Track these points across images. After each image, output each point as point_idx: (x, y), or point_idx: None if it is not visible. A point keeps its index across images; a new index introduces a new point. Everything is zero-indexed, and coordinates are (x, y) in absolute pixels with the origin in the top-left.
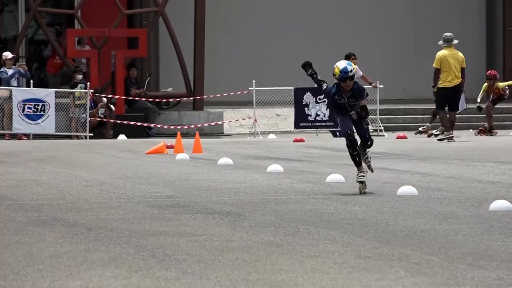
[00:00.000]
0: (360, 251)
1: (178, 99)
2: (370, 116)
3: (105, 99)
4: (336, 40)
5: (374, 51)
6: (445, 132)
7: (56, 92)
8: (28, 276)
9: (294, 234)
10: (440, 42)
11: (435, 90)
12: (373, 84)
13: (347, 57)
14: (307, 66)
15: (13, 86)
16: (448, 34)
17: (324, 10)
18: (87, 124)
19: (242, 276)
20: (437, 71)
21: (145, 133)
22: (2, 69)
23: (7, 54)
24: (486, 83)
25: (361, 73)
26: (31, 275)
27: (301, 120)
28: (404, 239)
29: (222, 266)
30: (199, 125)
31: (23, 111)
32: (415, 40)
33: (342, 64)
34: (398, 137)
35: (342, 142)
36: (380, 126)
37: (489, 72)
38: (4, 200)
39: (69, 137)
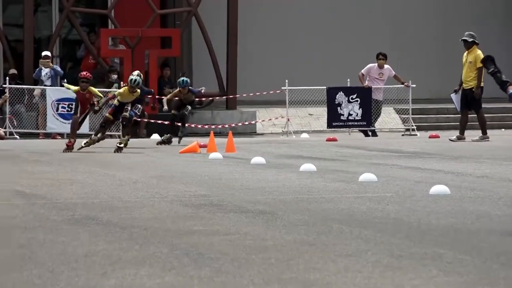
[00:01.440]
0: (393, 250)
1: (211, 99)
2: (402, 116)
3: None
4: (367, 40)
5: (402, 50)
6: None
7: None
8: (63, 275)
9: (327, 233)
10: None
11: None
12: (405, 84)
13: (376, 57)
14: (488, 61)
15: (47, 86)
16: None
17: (356, 10)
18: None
19: (275, 275)
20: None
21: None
22: (38, 68)
23: (47, 53)
24: None
25: (393, 72)
26: (65, 273)
27: (334, 119)
28: (436, 238)
29: (256, 265)
30: (232, 125)
31: (57, 110)
32: (442, 40)
33: None
34: (431, 137)
35: (374, 141)
36: (412, 126)
37: None
38: (38, 199)
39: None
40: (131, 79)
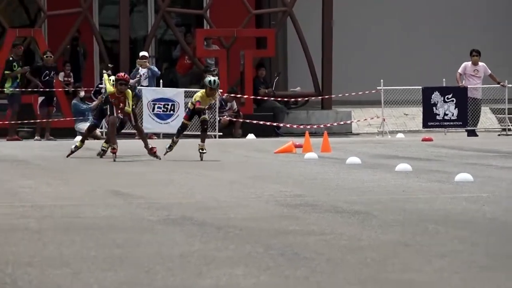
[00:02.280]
0: (489, 250)
1: (306, 99)
2: (498, 116)
3: (83, 93)
4: (462, 39)
5: (498, 50)
6: None
7: (185, 91)
8: (159, 275)
9: (423, 233)
10: None
11: None
12: (501, 83)
13: (470, 54)
14: None
15: (143, 86)
16: None
17: (451, 8)
18: (216, 124)
19: (371, 275)
20: None
21: (274, 132)
22: (135, 69)
23: (144, 54)
24: None
25: (489, 71)
26: (161, 273)
27: (429, 119)
28: None
29: (351, 265)
30: (328, 124)
31: (153, 110)
32: None
33: None
34: None
35: (470, 141)
36: (509, 125)
37: None
38: (135, 198)
39: (198, 136)
40: (211, 80)
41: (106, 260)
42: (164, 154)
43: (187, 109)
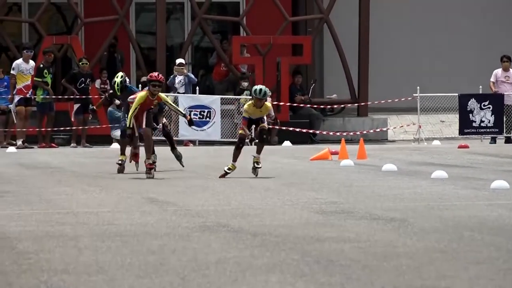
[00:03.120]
0: None
1: (342, 106)
2: None
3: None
4: (499, 46)
5: None
6: None
7: (221, 98)
8: (194, 282)
9: (458, 240)
10: None
11: None
12: None
13: (500, 60)
14: None
15: (180, 93)
16: None
17: (488, 16)
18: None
19: (406, 282)
20: None
21: (309, 139)
22: (172, 75)
23: (181, 61)
24: None
25: None
26: (196, 280)
27: (466, 126)
28: None
29: (386, 272)
30: (364, 132)
31: None
32: None
33: None
34: None
35: (506, 148)
36: None
37: None
38: (170, 206)
39: (234, 143)
40: (256, 89)
41: (141, 267)
42: (220, 177)
43: (243, 117)
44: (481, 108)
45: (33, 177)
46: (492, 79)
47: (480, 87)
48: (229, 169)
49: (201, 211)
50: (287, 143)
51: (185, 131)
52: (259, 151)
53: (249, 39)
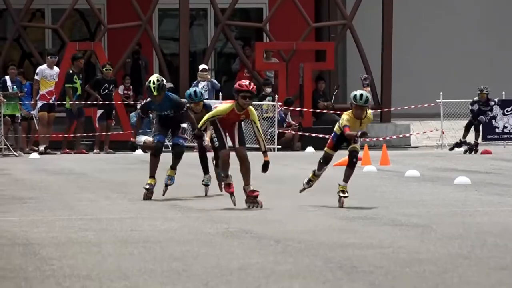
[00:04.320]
0: None
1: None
2: None
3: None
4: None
5: None
6: None
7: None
8: None
9: (482, 247)
10: None
11: None
12: None
13: None
14: None
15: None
16: None
17: (510, 21)
18: (275, 137)
19: None
20: None
21: None
22: (196, 81)
23: (204, 67)
24: None
25: None
26: (219, 286)
27: (489, 132)
28: None
29: (410, 278)
30: (387, 137)
31: None
32: None
33: None
34: None
35: None
36: None
37: None
38: (193, 212)
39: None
40: (356, 95)
41: (164, 273)
42: (300, 191)
43: (333, 133)
44: (504, 114)
45: (56, 183)
46: None
47: (504, 92)
48: (310, 180)
49: (224, 217)
50: (310, 149)
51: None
52: (346, 179)
53: (272, 45)
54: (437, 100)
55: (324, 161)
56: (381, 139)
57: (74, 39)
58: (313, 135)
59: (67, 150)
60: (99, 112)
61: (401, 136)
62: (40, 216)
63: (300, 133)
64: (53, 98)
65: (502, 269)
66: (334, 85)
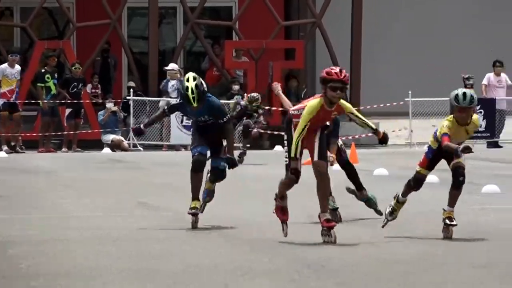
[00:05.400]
0: None
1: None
2: None
3: (111, 104)
4: (487, 49)
5: None
6: None
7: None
8: (186, 286)
9: (452, 245)
10: None
11: None
12: None
13: (493, 65)
14: None
15: (172, 97)
16: None
17: (479, 21)
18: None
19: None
20: None
21: None
22: (166, 80)
23: (174, 65)
24: None
25: (510, 82)
26: (188, 285)
27: None
28: None
29: (381, 276)
30: (356, 136)
31: (181, 122)
32: None
33: None
34: None
35: (497, 153)
36: None
37: None
38: (163, 211)
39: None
40: (458, 95)
41: (136, 272)
42: (382, 226)
43: (428, 148)
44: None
45: (24, 181)
46: (485, 81)
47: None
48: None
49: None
50: (278, 148)
51: (176, 136)
52: (452, 203)
53: (242, 43)
54: (406, 99)
55: (415, 184)
56: (350, 137)
57: (42, 38)
58: (282, 133)
59: (42, 149)
60: (68, 111)
61: (370, 134)
62: (10, 215)
63: (269, 131)
64: (14, 96)
65: (481, 268)
66: (303, 83)
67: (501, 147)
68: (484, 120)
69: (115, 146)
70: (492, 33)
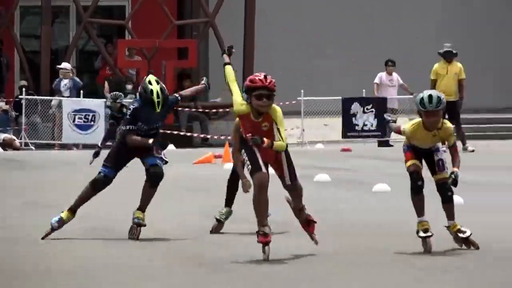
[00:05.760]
0: None
1: (227, 110)
2: None
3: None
4: (382, 50)
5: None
6: None
7: (106, 102)
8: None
9: (348, 244)
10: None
11: None
12: (414, 94)
13: (385, 64)
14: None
15: (65, 97)
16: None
17: (372, 20)
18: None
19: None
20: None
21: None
22: (58, 79)
23: (67, 64)
24: None
25: (401, 81)
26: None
27: (349, 129)
28: None
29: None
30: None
31: (73, 121)
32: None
33: None
34: None
35: (388, 151)
36: None
37: None
38: (52, 209)
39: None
40: (423, 97)
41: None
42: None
43: (403, 147)
44: (364, 112)
45: None
46: (377, 80)
47: (364, 90)
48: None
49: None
50: (171, 147)
51: (69, 135)
52: (451, 216)
53: (135, 42)
54: (298, 98)
55: (415, 183)
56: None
57: None
58: (175, 132)
59: None
60: None
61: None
62: None
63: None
64: None
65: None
66: (196, 83)
67: (392, 146)
68: (376, 119)
69: (7, 145)
70: (384, 33)
